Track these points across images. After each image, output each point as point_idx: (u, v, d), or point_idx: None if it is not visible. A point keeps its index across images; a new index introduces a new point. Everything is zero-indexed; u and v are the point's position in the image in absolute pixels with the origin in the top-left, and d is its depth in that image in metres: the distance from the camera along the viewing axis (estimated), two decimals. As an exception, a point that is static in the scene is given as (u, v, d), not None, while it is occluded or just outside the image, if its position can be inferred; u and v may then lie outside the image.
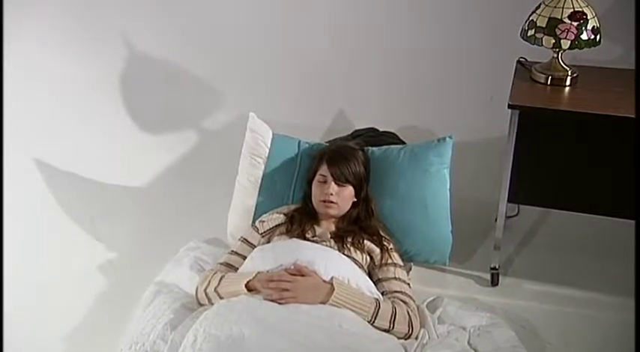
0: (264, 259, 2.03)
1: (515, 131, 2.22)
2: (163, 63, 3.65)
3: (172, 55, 3.64)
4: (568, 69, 2.35)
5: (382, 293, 2.07)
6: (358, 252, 2.14)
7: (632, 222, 2.24)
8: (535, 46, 2.29)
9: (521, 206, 2.80)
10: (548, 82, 2.34)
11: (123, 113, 3.63)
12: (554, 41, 2.23)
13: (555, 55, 2.34)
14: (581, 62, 2.48)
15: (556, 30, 2.22)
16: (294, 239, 2.13)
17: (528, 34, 2.29)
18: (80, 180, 3.19)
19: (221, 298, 1.96)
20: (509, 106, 2.19)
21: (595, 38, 2.25)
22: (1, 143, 3.08)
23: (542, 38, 2.25)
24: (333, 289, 1.89)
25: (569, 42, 2.22)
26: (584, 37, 2.23)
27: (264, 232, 2.25)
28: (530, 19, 2.30)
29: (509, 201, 2.36)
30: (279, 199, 2.43)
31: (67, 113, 3.56)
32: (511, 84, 2.34)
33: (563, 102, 2.28)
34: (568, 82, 2.33)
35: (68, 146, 3.40)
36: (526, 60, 2.51)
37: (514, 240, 2.69)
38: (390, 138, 2.79)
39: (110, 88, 3.67)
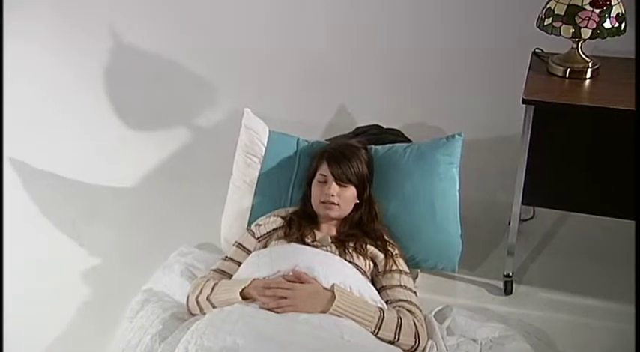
0: (260, 265, 2.03)
1: (530, 128, 2.21)
2: (153, 55, 3.65)
3: (162, 47, 3.64)
4: (588, 60, 2.34)
5: (386, 302, 2.06)
6: (361, 257, 2.14)
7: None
8: (552, 35, 2.28)
9: (537, 208, 2.80)
10: (567, 75, 2.33)
11: (109, 109, 3.63)
12: (573, 30, 2.22)
13: (575, 46, 2.33)
14: (604, 53, 2.46)
15: (576, 18, 2.20)
16: (293, 243, 2.13)
17: (545, 23, 2.28)
18: (62, 180, 3.19)
19: (214, 307, 1.96)
20: (524, 101, 2.18)
21: (619, 26, 2.23)
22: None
23: (560, 27, 2.24)
24: (335, 297, 1.89)
25: (591, 31, 2.20)
26: (606, 25, 2.20)
27: (261, 237, 2.25)
28: (548, 6, 2.29)
29: (523, 203, 2.35)
30: (276, 201, 2.43)
31: (49, 109, 3.56)
32: (525, 77, 2.33)
33: (583, 96, 2.27)
34: (588, 75, 2.32)
35: (50, 144, 3.39)
36: (542, 51, 2.50)
37: (529, 246, 2.68)
38: (395, 136, 2.79)
39: (95, 82, 3.67)
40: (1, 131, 3.15)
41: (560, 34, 2.25)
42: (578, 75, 2.32)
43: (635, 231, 2.24)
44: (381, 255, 2.17)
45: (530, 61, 2.46)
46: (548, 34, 2.29)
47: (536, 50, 2.51)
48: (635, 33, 2.24)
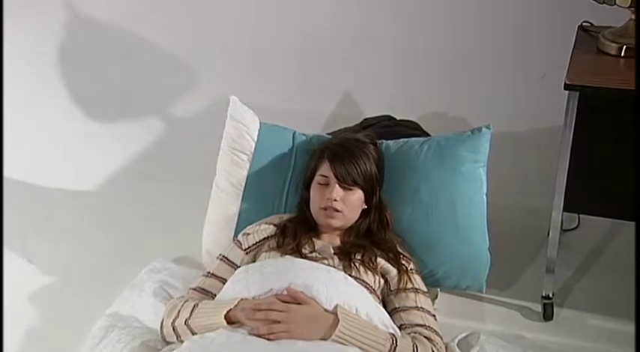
0: (249, 282, 2.02)
1: (574, 119, 2.21)
2: (117, 30, 3.65)
3: (129, 20, 3.64)
4: (650, 35, 2.33)
5: (400, 327, 2.06)
6: (369, 273, 2.14)
7: None
8: (604, 5, 2.27)
9: (582, 216, 2.80)
10: (622, 54, 2.32)
11: (64, 96, 3.63)
12: (632, -3, 2.21)
13: (633, 17, 2.31)
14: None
15: (635, -18, 2.20)
16: (288, 256, 2.13)
17: (595, -9, 2.29)
18: (8, 183, 3.18)
19: (193, 333, 1.95)
20: (567, 86, 2.18)
21: (693, -9, 2.22)
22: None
23: (615, -6, 2.24)
24: (338, 321, 1.88)
25: (655, -3, 2.20)
26: (676, -12, 2.19)
27: (249, 248, 2.25)
28: (599, -30, 2.29)
29: (565, 209, 2.35)
30: (268, 206, 2.44)
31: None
32: (569, 57, 2.33)
33: (641, 80, 2.27)
34: (649, 53, 2.31)
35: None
36: (591, 24, 2.51)
37: (573, 261, 2.69)
38: (410, 129, 2.80)
39: (47, 63, 3.67)
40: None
41: (615, 4, 2.24)
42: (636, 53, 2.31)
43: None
44: (394, 271, 2.17)
45: (576, 37, 2.46)
46: (599, 3, 2.28)
47: (584, 24, 2.51)
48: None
